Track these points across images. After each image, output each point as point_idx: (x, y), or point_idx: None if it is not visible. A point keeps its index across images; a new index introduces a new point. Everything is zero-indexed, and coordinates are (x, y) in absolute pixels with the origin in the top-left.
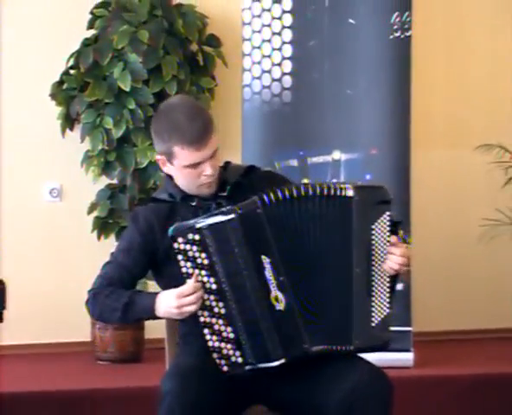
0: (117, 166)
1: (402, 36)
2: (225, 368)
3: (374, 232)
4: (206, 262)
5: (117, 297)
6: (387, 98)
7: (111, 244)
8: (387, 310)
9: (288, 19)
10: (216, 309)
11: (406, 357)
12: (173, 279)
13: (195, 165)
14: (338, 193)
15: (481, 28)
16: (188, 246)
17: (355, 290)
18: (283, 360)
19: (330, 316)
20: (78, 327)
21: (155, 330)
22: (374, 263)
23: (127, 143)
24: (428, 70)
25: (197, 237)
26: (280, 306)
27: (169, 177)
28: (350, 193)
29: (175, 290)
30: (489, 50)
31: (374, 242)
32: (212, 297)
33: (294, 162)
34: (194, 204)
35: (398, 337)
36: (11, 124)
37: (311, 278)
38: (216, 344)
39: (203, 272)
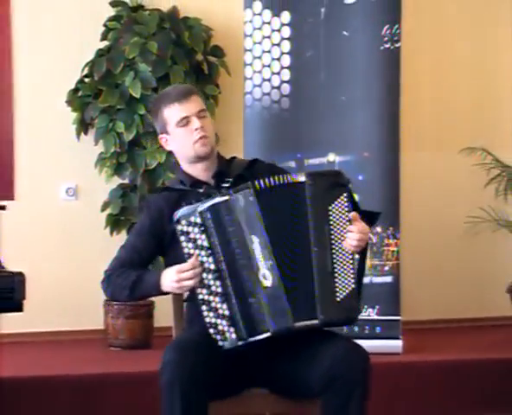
0: (128, 167)
1: (392, 47)
2: (220, 343)
3: (331, 213)
4: (205, 244)
5: (126, 276)
6: (378, 104)
7: (122, 239)
8: (352, 286)
9: (286, 31)
10: (214, 288)
11: (396, 344)
12: (179, 261)
13: (183, 120)
14: (293, 180)
15: (465, 40)
16: (190, 229)
17: (316, 268)
18: (268, 334)
19: (303, 292)
20: (92, 315)
21: (163, 319)
22: (333, 241)
23: (138, 146)
24: (416, 79)
25: (198, 220)
26: (268, 283)
27: (179, 166)
28: (302, 178)
29: (176, 266)
30: (473, 60)
31: (332, 222)
32: (210, 276)
33: (292, 164)
34: (201, 191)
35: (388, 326)
36: (31, 128)
37: (291, 258)
38: (213, 320)
39: (203, 253)
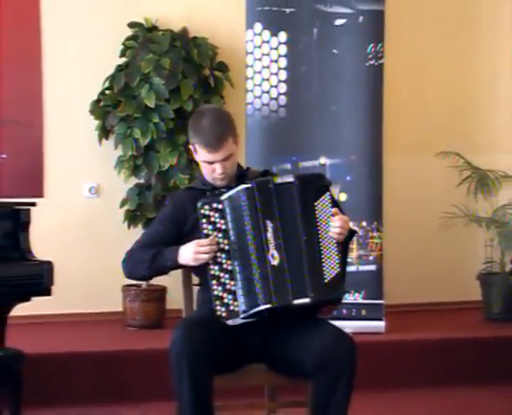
0: (144, 169)
1: (376, 64)
2: (224, 315)
3: (316, 208)
4: (223, 227)
5: (147, 252)
6: (363, 113)
7: (139, 232)
8: (338, 269)
9: (283, 49)
10: (225, 266)
11: (379, 325)
12: None
13: (209, 163)
14: (285, 180)
15: (441, 57)
16: (211, 213)
17: (306, 254)
18: (269, 306)
19: (297, 274)
20: (112, 299)
21: (174, 302)
22: (319, 232)
23: (152, 150)
24: (397, 91)
25: (220, 206)
26: (274, 262)
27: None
28: (291, 179)
29: (195, 240)
30: (447, 75)
31: (318, 216)
32: (223, 255)
33: (288, 166)
34: (224, 190)
35: (372, 308)
36: (58, 135)
37: (288, 243)
38: (220, 294)
39: (220, 235)
